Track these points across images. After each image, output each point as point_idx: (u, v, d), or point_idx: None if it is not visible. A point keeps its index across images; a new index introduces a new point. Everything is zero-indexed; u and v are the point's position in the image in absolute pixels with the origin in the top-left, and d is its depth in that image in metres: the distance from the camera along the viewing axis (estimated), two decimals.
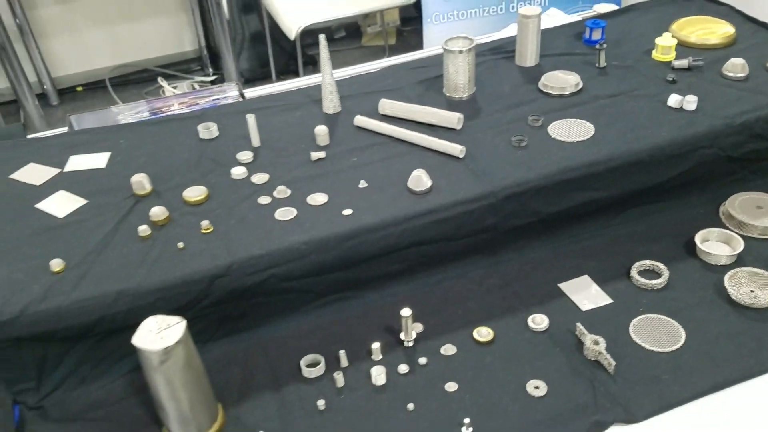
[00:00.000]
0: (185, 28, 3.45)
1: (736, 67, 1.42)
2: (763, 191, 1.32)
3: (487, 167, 1.25)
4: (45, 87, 3.11)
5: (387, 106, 1.43)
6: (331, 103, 1.46)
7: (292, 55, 3.47)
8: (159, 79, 3.31)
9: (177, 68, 3.50)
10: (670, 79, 1.44)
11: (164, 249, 1.11)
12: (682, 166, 1.30)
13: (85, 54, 3.23)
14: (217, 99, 1.65)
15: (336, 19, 3.03)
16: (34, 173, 1.28)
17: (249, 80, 3.28)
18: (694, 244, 1.26)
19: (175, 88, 3.29)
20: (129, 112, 1.57)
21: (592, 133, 1.32)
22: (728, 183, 1.34)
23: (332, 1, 3.01)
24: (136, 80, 3.38)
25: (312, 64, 3.38)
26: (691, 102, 1.34)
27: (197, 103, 1.63)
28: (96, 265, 1.07)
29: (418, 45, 3.98)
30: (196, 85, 3.43)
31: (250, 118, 1.35)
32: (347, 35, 4.04)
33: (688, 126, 1.30)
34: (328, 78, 1.43)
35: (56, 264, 1.06)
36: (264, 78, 3.53)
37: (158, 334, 0.90)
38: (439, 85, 1.52)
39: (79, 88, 3.29)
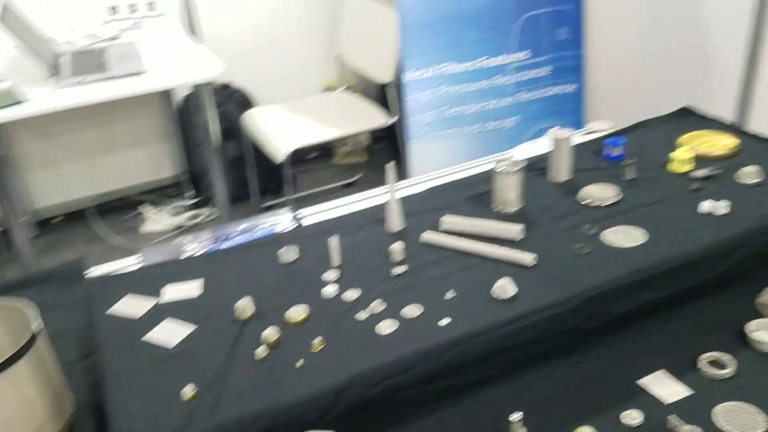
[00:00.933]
0: (165, 155, 3.59)
1: (750, 174, 1.62)
2: None
3: (560, 274, 1.37)
4: (25, 218, 3.12)
5: (449, 221, 1.55)
6: (395, 222, 1.57)
7: (269, 176, 3.68)
8: (140, 206, 3.39)
9: (158, 194, 3.61)
10: (694, 188, 1.63)
11: (285, 368, 1.15)
12: (725, 264, 1.45)
13: (65, 185, 3.31)
14: (274, 225, 1.73)
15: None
16: (132, 306, 1.31)
17: (231, 201, 3.42)
18: (748, 334, 1.38)
19: (158, 212, 3.36)
20: (194, 244, 1.63)
21: (644, 239, 1.47)
22: (763, 275, 1.50)
23: (313, 125, 3.23)
24: (117, 207, 3.45)
25: (288, 183, 3.56)
26: (721, 207, 1.52)
27: (256, 230, 1.71)
28: (225, 388, 1.10)
29: (389, 161, 4.19)
30: (181, 210, 3.51)
31: (333, 240, 1.44)
32: (320, 155, 4.26)
33: (725, 229, 1.47)
34: (393, 200, 1.55)
35: (188, 391, 1.08)
36: (244, 198, 3.68)
37: None
38: (487, 201, 1.66)
39: (57, 219, 3.32)
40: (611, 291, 1.35)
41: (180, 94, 3.41)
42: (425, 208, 1.65)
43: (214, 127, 3.14)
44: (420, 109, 2.94)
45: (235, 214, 3.47)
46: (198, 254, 1.57)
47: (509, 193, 1.60)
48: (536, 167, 1.80)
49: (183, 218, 3.35)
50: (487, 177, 1.72)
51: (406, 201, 1.70)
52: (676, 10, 2.75)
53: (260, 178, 3.61)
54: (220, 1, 3.48)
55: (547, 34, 3.00)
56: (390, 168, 1.52)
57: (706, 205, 1.53)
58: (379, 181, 4.62)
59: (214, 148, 3.20)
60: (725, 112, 2.45)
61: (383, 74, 3.24)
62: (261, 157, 3.49)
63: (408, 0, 2.78)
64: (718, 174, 1.66)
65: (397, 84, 3.11)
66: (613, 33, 3.13)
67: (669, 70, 2.90)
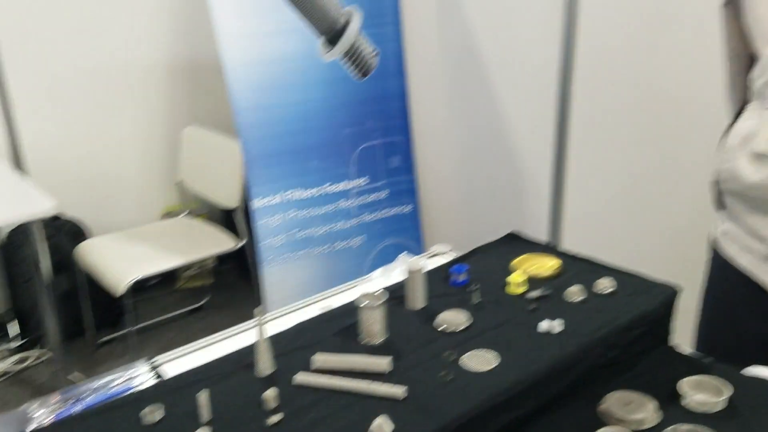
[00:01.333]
0: None
1: (575, 293, 1.85)
2: (628, 388, 1.68)
3: (430, 404, 1.45)
4: None
5: (320, 360, 1.58)
6: (266, 365, 1.57)
7: (106, 308, 3.53)
8: None
9: None
10: (531, 308, 1.82)
11: None
12: (567, 379, 1.62)
13: None
14: (131, 380, 1.65)
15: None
16: None
17: (64, 339, 3.23)
18: None
19: None
20: (42, 410, 1.50)
21: (496, 361, 1.60)
22: (601, 385, 1.69)
23: (155, 253, 3.17)
24: None
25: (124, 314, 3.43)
26: (557, 326, 1.71)
27: (111, 387, 1.61)
28: None
29: (237, 283, 4.19)
30: (6, 353, 3.20)
31: (202, 395, 1.40)
32: (161, 280, 4.13)
33: (563, 347, 1.65)
34: (263, 343, 1.56)
35: None
36: (78, 334, 3.45)
37: None
38: (354, 333, 1.72)
39: None
40: (476, 417, 1.44)
41: (4, 229, 3.17)
42: (294, 346, 1.67)
43: (44, 262, 2.95)
44: (270, 233, 3.00)
45: (68, 353, 3.20)
46: (48, 422, 1.44)
47: (374, 326, 1.68)
48: (394, 296, 1.91)
49: (8, 363, 3.03)
50: (351, 308, 1.80)
51: (274, 340, 1.70)
52: (491, 141, 3.14)
53: (96, 312, 3.43)
54: (48, 133, 3.35)
55: (382, 162, 3.26)
56: (259, 311, 1.54)
57: (543, 325, 1.72)
58: (226, 304, 4.55)
59: (44, 284, 2.99)
60: (541, 232, 2.79)
61: (229, 200, 3.28)
62: (95, 289, 3.33)
63: (250, 133, 2.89)
64: (548, 294, 1.87)
65: (245, 208, 3.16)
66: (439, 161, 3.47)
67: (489, 194, 3.26)
